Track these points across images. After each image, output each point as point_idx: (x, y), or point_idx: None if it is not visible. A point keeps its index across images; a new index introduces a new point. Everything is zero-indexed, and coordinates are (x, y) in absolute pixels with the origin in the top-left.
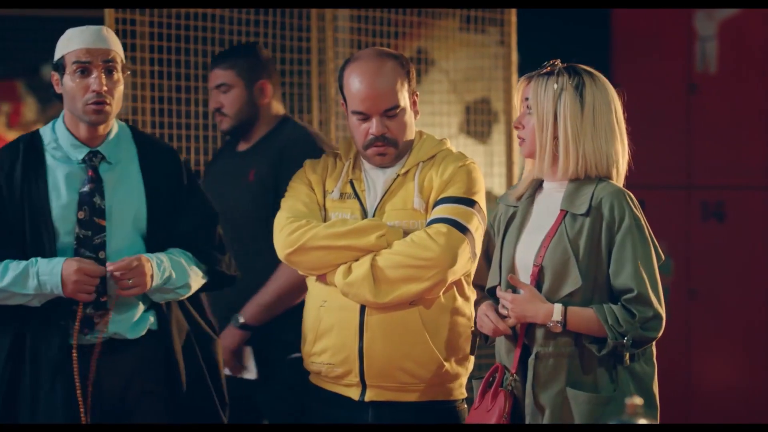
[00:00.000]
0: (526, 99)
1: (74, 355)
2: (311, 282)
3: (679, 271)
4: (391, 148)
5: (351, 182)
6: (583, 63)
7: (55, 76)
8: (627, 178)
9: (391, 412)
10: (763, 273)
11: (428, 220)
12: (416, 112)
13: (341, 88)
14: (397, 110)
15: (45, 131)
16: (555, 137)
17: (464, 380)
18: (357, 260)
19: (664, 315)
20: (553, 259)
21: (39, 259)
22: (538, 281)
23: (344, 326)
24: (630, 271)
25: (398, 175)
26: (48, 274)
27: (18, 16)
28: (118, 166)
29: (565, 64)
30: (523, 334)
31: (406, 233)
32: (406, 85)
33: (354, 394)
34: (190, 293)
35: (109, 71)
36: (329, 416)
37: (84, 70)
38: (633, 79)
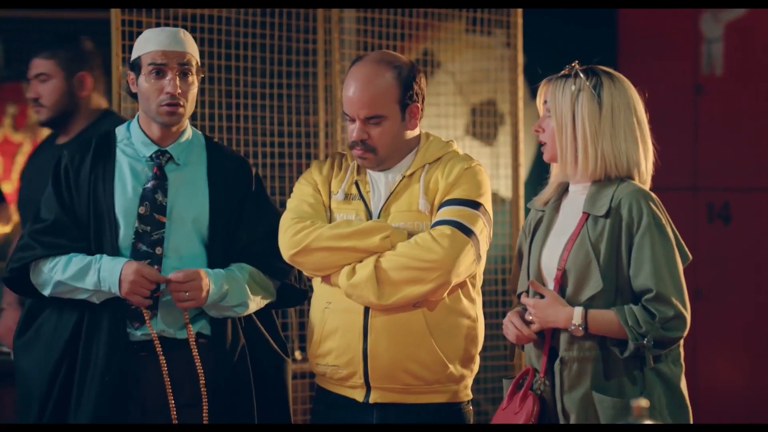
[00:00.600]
0: (545, 102)
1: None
2: (316, 283)
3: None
4: (370, 153)
5: (356, 183)
6: (589, 65)
7: (131, 75)
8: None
9: (395, 414)
10: None
11: (432, 222)
12: (413, 125)
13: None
14: (380, 120)
15: (120, 129)
16: (574, 138)
17: (469, 381)
18: (361, 261)
19: (688, 315)
20: (575, 262)
21: (104, 256)
22: (561, 285)
23: (348, 328)
24: (648, 270)
25: (403, 177)
26: (108, 272)
27: (24, 18)
28: (186, 168)
29: (584, 66)
30: (550, 339)
31: (410, 235)
32: (399, 97)
33: (359, 395)
34: (248, 311)
35: (184, 74)
36: (334, 418)
37: (159, 71)
38: (639, 81)
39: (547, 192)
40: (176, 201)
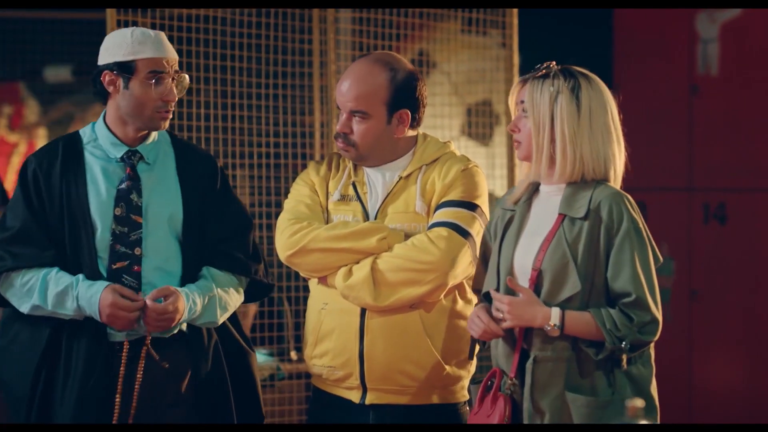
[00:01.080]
0: (521, 102)
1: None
2: (313, 284)
3: (680, 272)
4: (351, 147)
5: (353, 184)
6: (585, 65)
7: (111, 76)
8: (628, 180)
9: (391, 415)
10: (764, 275)
11: (429, 224)
12: (400, 131)
13: None
14: (364, 117)
15: (84, 131)
16: (552, 140)
17: (466, 382)
18: (358, 263)
19: (661, 319)
20: (551, 262)
21: (80, 281)
22: (536, 285)
23: (345, 329)
24: (628, 274)
25: (400, 178)
26: (86, 301)
27: (19, 18)
28: (156, 167)
29: (560, 66)
30: (522, 339)
31: (407, 236)
32: (387, 100)
33: (355, 397)
34: (216, 325)
35: (175, 80)
36: (330, 419)
37: (159, 79)
38: (635, 81)
39: (518, 191)
40: (151, 201)
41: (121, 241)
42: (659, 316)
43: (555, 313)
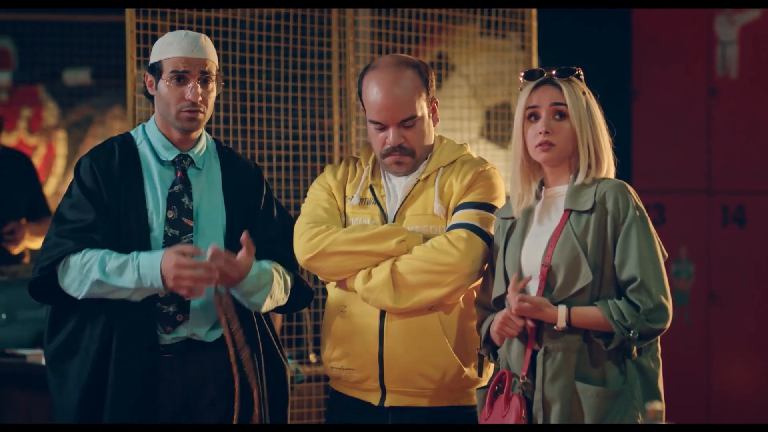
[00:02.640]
0: (554, 104)
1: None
2: (331, 288)
3: (699, 275)
4: (407, 157)
5: (371, 188)
6: (604, 68)
7: (149, 77)
8: (647, 182)
9: (411, 418)
10: None
11: (448, 226)
12: (435, 120)
13: (360, 94)
14: (415, 120)
15: (136, 132)
16: (592, 138)
17: (480, 385)
18: (377, 266)
19: (670, 307)
20: (561, 257)
21: (141, 252)
22: (547, 281)
23: (364, 331)
24: (634, 260)
25: (418, 181)
26: (148, 267)
27: (39, 21)
28: (204, 173)
29: (561, 68)
30: (533, 338)
31: (426, 239)
32: (424, 94)
33: (374, 399)
34: (263, 310)
35: (205, 81)
36: (349, 421)
37: (181, 78)
38: (654, 84)
39: (518, 198)
40: (201, 205)
41: (174, 244)
42: (667, 303)
43: (561, 314)
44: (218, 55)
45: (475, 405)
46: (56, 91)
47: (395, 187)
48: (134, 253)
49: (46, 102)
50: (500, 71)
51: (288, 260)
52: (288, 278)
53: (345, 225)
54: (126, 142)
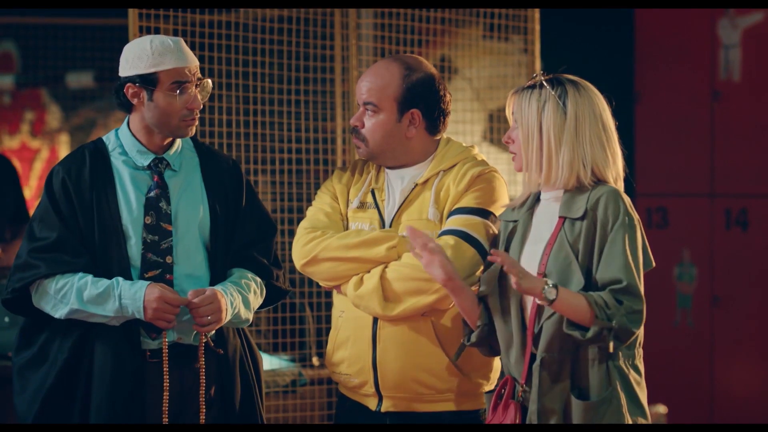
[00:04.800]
0: (513, 114)
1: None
2: (334, 292)
3: (702, 278)
4: (361, 143)
5: (372, 191)
6: (607, 71)
7: (134, 88)
8: (650, 186)
9: (409, 423)
10: None
11: (439, 232)
12: (411, 132)
13: None
14: (374, 109)
15: (108, 138)
16: (540, 149)
17: (486, 389)
18: (369, 272)
19: (644, 316)
20: (555, 264)
21: (121, 281)
22: None
23: (359, 337)
24: (621, 263)
25: (416, 185)
26: (130, 299)
27: (42, 24)
28: (182, 174)
29: (549, 76)
30: (531, 344)
31: None
32: (398, 94)
33: (372, 404)
34: (246, 324)
35: (198, 86)
36: (353, 423)
37: (183, 89)
38: (656, 87)
39: (518, 202)
40: (179, 208)
41: (153, 250)
42: (644, 311)
43: (549, 284)
44: (221, 58)
45: (477, 410)
46: (59, 94)
47: (395, 191)
48: (114, 282)
49: (49, 105)
50: (503, 74)
51: (263, 267)
52: (262, 288)
53: (346, 229)
54: (97, 149)
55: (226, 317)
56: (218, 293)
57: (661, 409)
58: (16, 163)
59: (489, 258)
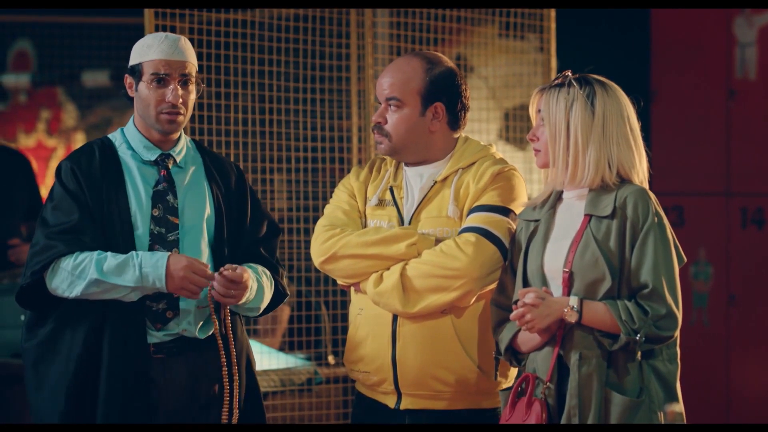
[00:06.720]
0: (539, 111)
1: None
2: (352, 290)
3: (718, 277)
4: (384, 138)
5: (391, 189)
6: (623, 70)
7: (129, 79)
8: (666, 184)
9: (427, 420)
10: None
11: (460, 229)
12: (435, 126)
13: None
14: (397, 104)
15: (114, 135)
16: (567, 147)
17: (505, 386)
18: (389, 269)
19: (679, 315)
20: (582, 262)
21: (141, 252)
22: (569, 287)
23: (378, 335)
24: (649, 266)
25: (435, 182)
26: (151, 266)
27: (57, 23)
28: (187, 171)
29: (576, 75)
30: (560, 344)
31: (438, 242)
32: (421, 88)
33: (390, 402)
34: (256, 315)
35: (185, 83)
36: (370, 422)
37: (161, 80)
38: (672, 86)
39: (540, 200)
40: (185, 202)
41: (160, 242)
42: (677, 312)
43: (574, 298)
44: (237, 57)
45: (495, 408)
46: (75, 92)
47: (414, 188)
48: (133, 253)
49: (65, 104)
50: (519, 73)
51: (270, 264)
52: (272, 282)
53: (364, 227)
54: (105, 145)
55: (247, 296)
56: (247, 273)
57: (677, 407)
58: (32, 162)
59: (519, 293)
